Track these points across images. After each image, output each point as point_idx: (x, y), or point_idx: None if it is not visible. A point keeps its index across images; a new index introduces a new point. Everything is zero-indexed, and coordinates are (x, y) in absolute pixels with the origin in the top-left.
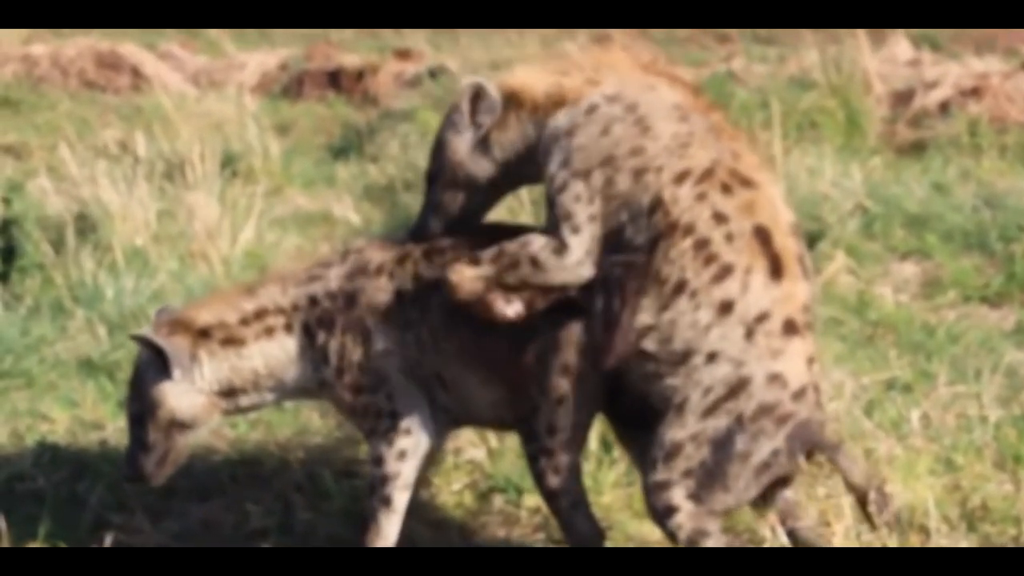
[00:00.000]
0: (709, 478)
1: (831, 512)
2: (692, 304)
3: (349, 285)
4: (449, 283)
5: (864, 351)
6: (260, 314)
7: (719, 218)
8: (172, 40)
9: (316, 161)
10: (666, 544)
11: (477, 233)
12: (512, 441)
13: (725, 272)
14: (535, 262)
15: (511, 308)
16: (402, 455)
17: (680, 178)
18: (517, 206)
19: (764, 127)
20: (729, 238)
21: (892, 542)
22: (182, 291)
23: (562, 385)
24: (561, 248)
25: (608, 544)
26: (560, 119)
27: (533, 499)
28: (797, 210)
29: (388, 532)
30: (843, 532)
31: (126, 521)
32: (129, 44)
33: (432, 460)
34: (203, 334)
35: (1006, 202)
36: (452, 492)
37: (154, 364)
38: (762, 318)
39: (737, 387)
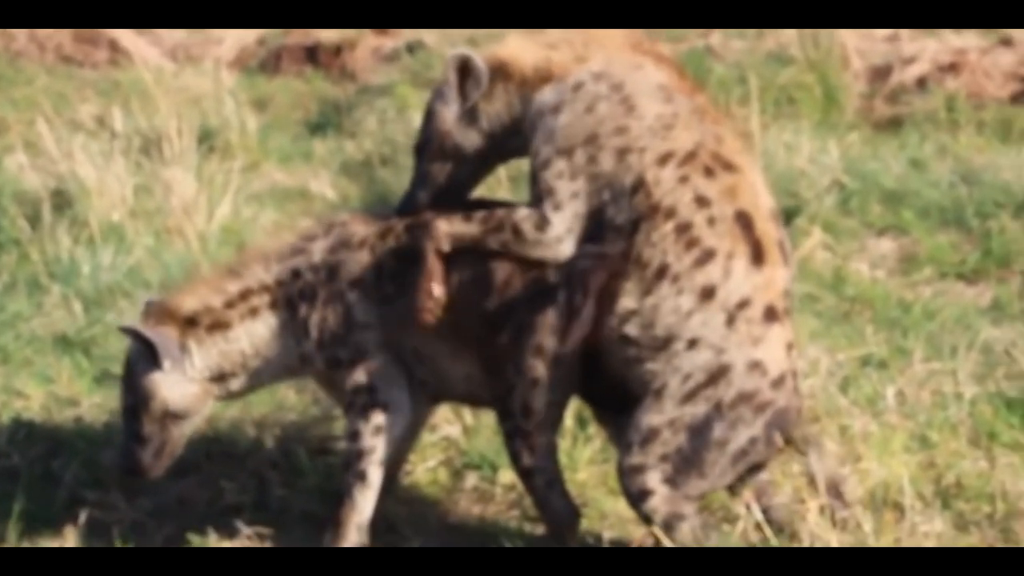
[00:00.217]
0: (685, 464)
1: (805, 490)
2: (675, 289)
3: (332, 258)
4: (431, 227)
5: (840, 327)
6: (245, 295)
7: (701, 201)
8: None
9: (293, 136)
10: (640, 524)
11: (463, 208)
12: (487, 418)
13: (707, 257)
14: (517, 231)
15: (437, 288)
16: (378, 430)
17: (663, 160)
18: (495, 182)
19: (742, 103)
20: (711, 222)
21: (866, 520)
22: (158, 267)
23: (537, 366)
24: (543, 223)
25: (583, 521)
26: (547, 95)
27: (508, 476)
28: (774, 186)
29: (363, 507)
30: (816, 510)
31: (101, 498)
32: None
33: (414, 436)
34: (190, 322)
35: (983, 178)
36: (427, 469)
37: (144, 356)
38: (743, 305)
39: (717, 374)
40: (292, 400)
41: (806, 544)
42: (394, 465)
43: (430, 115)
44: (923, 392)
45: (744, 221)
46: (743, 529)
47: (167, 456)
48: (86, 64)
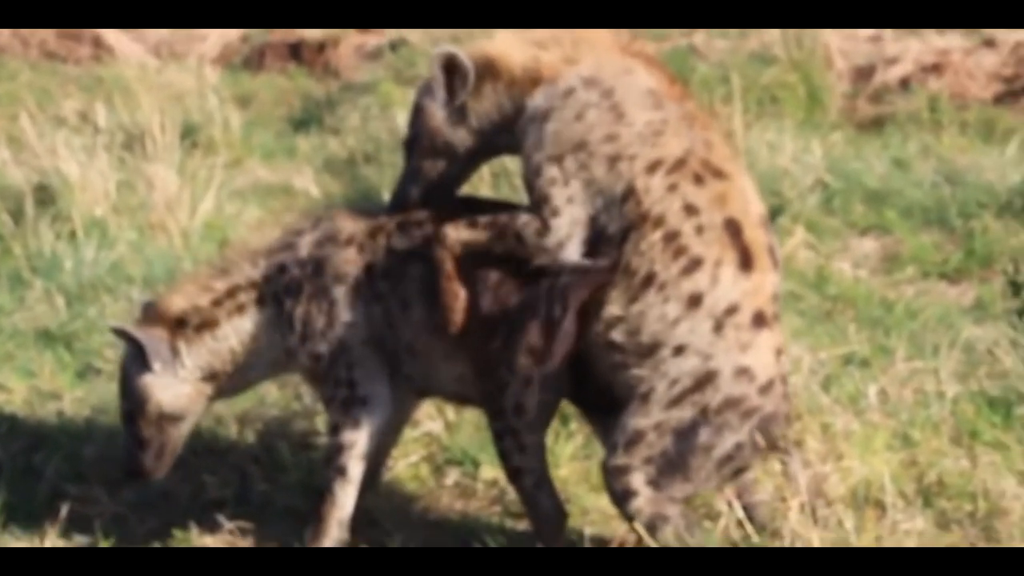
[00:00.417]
0: (670, 467)
1: (787, 488)
2: (660, 297)
3: (318, 252)
4: (442, 235)
5: (822, 326)
6: (232, 292)
7: (690, 210)
8: None
9: (277, 133)
10: (622, 520)
11: (453, 206)
12: (469, 414)
13: (694, 265)
14: (519, 238)
15: (459, 289)
16: (357, 424)
17: (652, 168)
18: (476, 178)
19: (725, 102)
20: (699, 230)
21: (848, 518)
22: (142, 262)
23: (529, 366)
24: (543, 229)
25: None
26: (537, 99)
27: (489, 472)
28: (757, 185)
29: (343, 503)
30: (798, 507)
31: (82, 492)
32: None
33: (397, 432)
34: (179, 323)
35: (966, 178)
36: (408, 464)
37: (136, 360)
38: (731, 311)
39: (704, 380)
40: (274, 395)
41: (787, 541)
42: (376, 460)
43: (418, 111)
44: (905, 391)
45: (733, 229)
46: (725, 526)
47: (168, 456)
48: (69, 60)
